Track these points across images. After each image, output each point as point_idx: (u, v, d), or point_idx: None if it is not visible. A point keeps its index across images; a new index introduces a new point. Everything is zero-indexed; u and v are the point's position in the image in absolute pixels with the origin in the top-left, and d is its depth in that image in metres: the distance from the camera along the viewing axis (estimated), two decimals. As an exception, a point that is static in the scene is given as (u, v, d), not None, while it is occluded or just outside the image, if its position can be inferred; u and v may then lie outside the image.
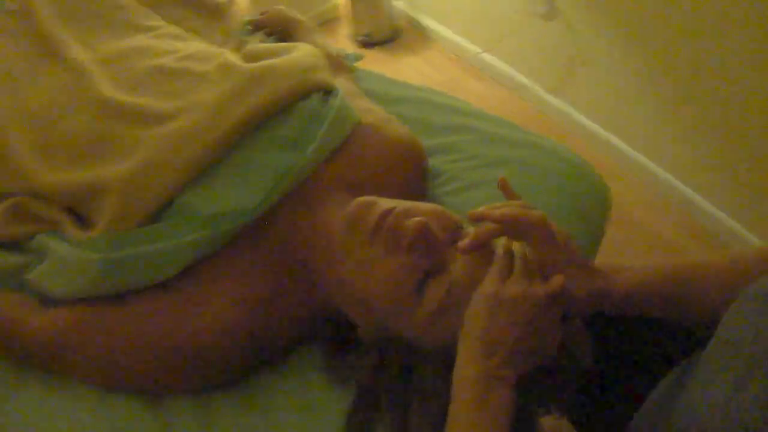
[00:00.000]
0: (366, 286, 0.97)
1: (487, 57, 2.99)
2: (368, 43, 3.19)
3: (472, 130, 1.47)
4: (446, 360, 0.91)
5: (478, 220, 0.93)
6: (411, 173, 1.27)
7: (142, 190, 1.05)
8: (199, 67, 1.23)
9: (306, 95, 1.21)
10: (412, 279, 0.94)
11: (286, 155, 1.12)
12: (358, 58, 1.69)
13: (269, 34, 1.70)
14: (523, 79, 2.88)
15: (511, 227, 0.90)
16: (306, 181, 1.12)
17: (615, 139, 2.57)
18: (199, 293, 1.02)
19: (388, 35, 3.24)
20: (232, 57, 1.26)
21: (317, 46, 1.43)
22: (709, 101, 2.17)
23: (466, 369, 0.85)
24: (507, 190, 0.99)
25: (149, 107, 1.14)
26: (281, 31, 1.70)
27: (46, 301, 1.06)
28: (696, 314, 0.93)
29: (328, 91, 1.26)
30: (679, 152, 2.37)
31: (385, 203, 1.00)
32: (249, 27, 1.72)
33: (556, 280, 0.87)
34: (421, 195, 1.29)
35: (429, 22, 3.24)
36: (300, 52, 1.29)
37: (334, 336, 1.08)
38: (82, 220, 1.12)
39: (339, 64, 1.53)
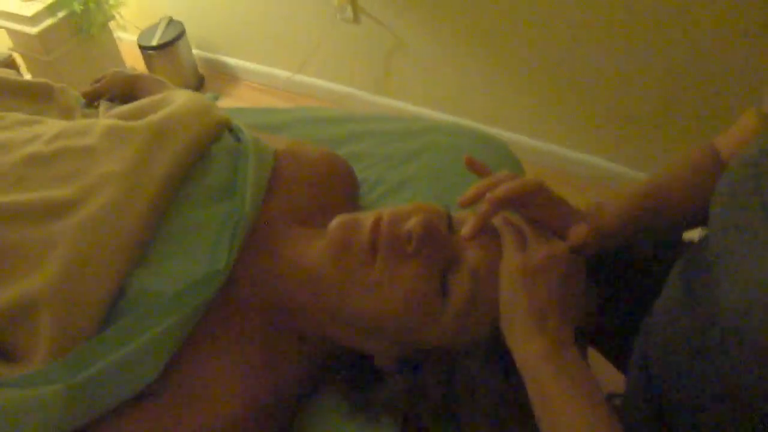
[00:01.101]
0: (383, 308, 0.84)
1: (300, 78, 2.89)
2: (176, 98, 2.98)
3: (371, 133, 1.37)
4: (486, 348, 0.84)
5: (470, 204, 0.84)
6: (347, 186, 1.14)
7: (81, 291, 0.83)
8: (77, 142, 1.02)
9: (216, 137, 1.04)
10: (433, 281, 0.83)
11: (227, 204, 0.96)
12: (216, 98, 1.53)
13: (111, 100, 1.49)
14: (343, 88, 2.80)
15: (515, 201, 0.84)
16: (254, 227, 0.95)
17: (457, 119, 2.55)
18: (188, 385, 0.83)
19: (193, 85, 3.05)
20: (109, 121, 1.05)
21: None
22: (526, 54, 2.22)
23: (529, 347, 0.77)
24: (476, 167, 0.91)
25: (45, 199, 0.92)
26: (123, 93, 1.49)
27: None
28: (673, 220, 0.95)
29: (230, 129, 1.10)
30: (519, 109, 2.41)
31: (366, 217, 0.87)
32: (84, 99, 1.50)
33: (579, 231, 0.83)
34: (357, 207, 1.17)
35: (231, 61, 3.08)
36: (182, 98, 1.12)
37: (351, 375, 0.93)
38: (2, 354, 0.87)
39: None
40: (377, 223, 0.84)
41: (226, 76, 3.13)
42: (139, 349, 0.79)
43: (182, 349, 0.83)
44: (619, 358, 1.19)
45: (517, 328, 0.78)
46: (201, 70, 3.12)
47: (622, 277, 1.11)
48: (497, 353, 0.82)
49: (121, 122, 1.03)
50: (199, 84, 3.08)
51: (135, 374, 0.79)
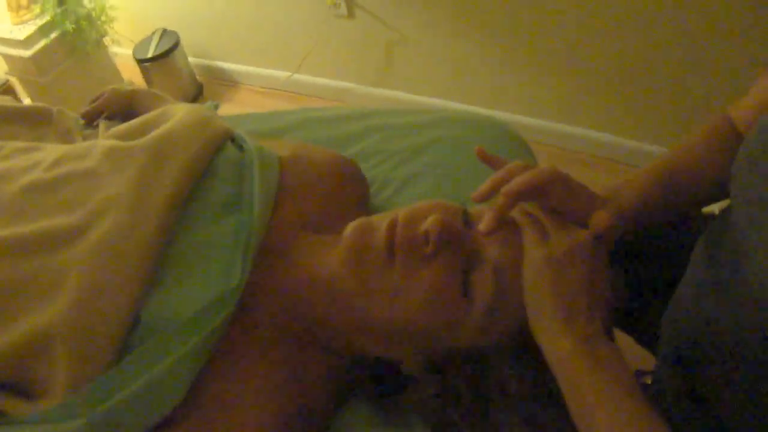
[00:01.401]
0: (405, 314, 0.80)
1: (300, 77, 2.85)
2: (176, 108, 2.94)
3: (377, 128, 1.33)
4: (514, 345, 0.81)
5: (484, 199, 0.81)
6: (357, 188, 1.11)
7: (95, 322, 0.79)
8: (77, 166, 0.99)
9: (219, 149, 1.01)
10: (455, 282, 0.79)
11: (236, 217, 0.92)
12: (216, 107, 1.49)
13: (110, 118, 1.46)
14: (344, 84, 2.77)
15: (531, 193, 0.79)
16: (266, 239, 0.92)
17: (460, 105, 2.51)
18: (214, 406, 0.80)
19: (192, 93, 3.02)
20: (109, 142, 1.02)
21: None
22: (524, 33, 2.18)
23: (559, 344, 0.73)
24: (488, 159, 0.87)
25: (50, 228, 0.88)
26: (122, 110, 1.46)
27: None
28: (692, 196, 0.91)
29: (232, 139, 1.07)
30: (523, 90, 2.36)
31: (380, 219, 0.84)
32: (83, 120, 1.47)
33: (601, 218, 0.79)
34: (369, 209, 1.13)
35: (228, 66, 3.05)
36: (181, 111, 1.08)
37: (378, 384, 0.90)
38: (20, 390, 0.85)
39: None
40: (392, 225, 0.81)
41: (225, 82, 3.10)
42: (159, 377, 0.76)
43: (205, 371, 0.81)
44: (644, 336, 1.16)
45: (545, 324, 0.74)
46: (199, 78, 3.09)
47: (645, 255, 1.08)
48: (527, 350, 0.79)
49: (120, 142, 1.00)
50: (198, 92, 3.05)
51: (157, 402, 0.76)
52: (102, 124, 1.41)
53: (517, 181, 0.78)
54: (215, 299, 0.81)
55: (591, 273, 0.75)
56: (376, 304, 0.81)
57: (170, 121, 1.03)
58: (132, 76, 2.98)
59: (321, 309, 0.87)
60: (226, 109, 2.93)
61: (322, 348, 0.89)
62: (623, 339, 1.14)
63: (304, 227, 0.98)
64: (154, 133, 1.00)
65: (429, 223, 0.79)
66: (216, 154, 1.00)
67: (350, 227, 0.84)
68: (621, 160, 2.28)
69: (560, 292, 0.74)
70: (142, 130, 1.06)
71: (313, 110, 1.44)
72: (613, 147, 2.29)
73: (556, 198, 0.80)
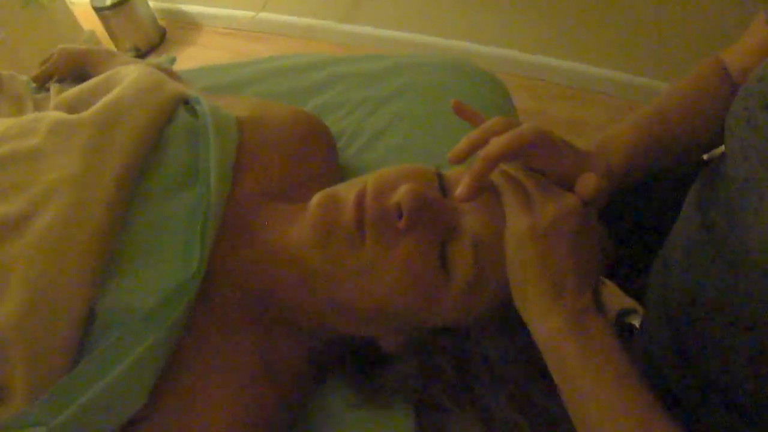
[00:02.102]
0: (380, 293, 0.73)
1: (265, 16, 2.71)
2: (141, 55, 2.81)
3: (341, 77, 1.23)
4: (500, 320, 0.74)
5: (461, 160, 0.71)
6: (323, 148, 1.01)
7: (47, 321, 0.71)
8: (22, 144, 0.89)
9: (170, 116, 0.92)
10: (432, 257, 0.71)
11: (192, 191, 0.84)
12: (172, 61, 1.39)
13: (62, 81, 1.35)
14: (311, 21, 2.63)
15: (512, 156, 0.69)
16: (226, 213, 0.84)
17: (431, 39, 2.39)
18: (181, 402, 0.73)
19: (156, 39, 2.88)
20: (54, 115, 0.92)
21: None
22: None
23: (547, 323, 0.65)
24: (466, 114, 0.77)
25: None
26: (75, 71, 1.36)
27: None
28: (683, 147, 0.82)
29: (185, 103, 0.97)
30: (497, 22, 2.24)
31: (347, 190, 0.75)
32: (34, 84, 1.37)
33: (588, 181, 0.68)
34: (335, 166, 1.04)
35: (191, 8, 2.90)
36: (132, 74, 0.98)
37: (357, 363, 0.83)
38: None
39: (169, 73, 1.23)
40: (360, 198, 0.73)
41: (189, 25, 2.96)
42: (120, 377, 0.69)
43: (170, 365, 0.74)
44: (627, 283, 1.11)
45: (531, 301, 0.67)
46: (161, 23, 2.94)
47: (630, 201, 1.02)
48: (512, 323, 0.72)
49: (66, 116, 0.90)
50: (161, 38, 2.91)
51: (120, 403, 0.69)
52: (53, 87, 1.31)
53: (497, 143, 0.67)
54: (174, 288, 0.74)
55: (580, 243, 0.67)
56: (348, 283, 0.74)
57: (118, 88, 0.94)
58: (93, 26, 2.82)
59: (289, 288, 0.80)
60: (190, 53, 2.80)
61: (293, 329, 0.82)
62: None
63: (267, 196, 0.89)
64: (100, 104, 0.90)
65: (401, 194, 0.71)
66: (167, 123, 0.91)
67: (315, 201, 0.76)
68: (602, 91, 2.20)
69: (547, 266, 0.66)
70: (90, 98, 0.96)
71: (272, 60, 1.34)
72: (594, 78, 2.20)
73: (539, 159, 0.70)
